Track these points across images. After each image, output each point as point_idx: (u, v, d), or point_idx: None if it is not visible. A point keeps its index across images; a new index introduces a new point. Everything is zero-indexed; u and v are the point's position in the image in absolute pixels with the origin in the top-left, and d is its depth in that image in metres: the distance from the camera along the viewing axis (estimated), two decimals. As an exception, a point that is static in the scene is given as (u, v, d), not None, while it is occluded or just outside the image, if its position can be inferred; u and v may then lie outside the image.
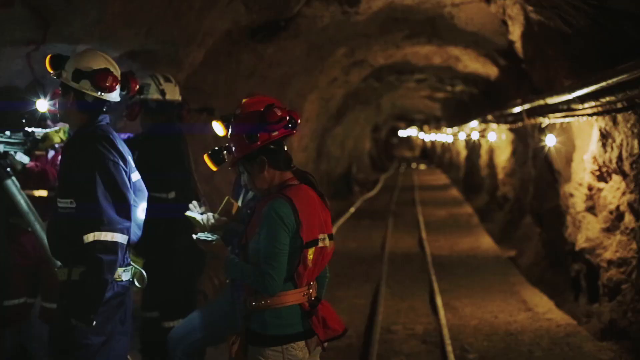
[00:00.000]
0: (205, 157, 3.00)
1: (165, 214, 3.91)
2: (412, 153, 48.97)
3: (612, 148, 5.92)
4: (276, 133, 2.69)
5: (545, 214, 9.19)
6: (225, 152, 2.96)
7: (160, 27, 4.99)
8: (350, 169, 19.48)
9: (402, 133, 46.56)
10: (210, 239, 2.81)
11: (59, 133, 4.33)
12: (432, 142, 37.69)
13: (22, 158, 4.24)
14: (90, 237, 2.87)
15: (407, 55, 11.16)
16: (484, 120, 13.43)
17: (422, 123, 38.62)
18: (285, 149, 2.79)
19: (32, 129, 4.23)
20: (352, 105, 16.23)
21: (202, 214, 3.25)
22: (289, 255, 2.62)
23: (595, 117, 5.86)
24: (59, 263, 4.15)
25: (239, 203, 3.33)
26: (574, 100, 5.70)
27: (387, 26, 8.68)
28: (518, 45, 7.22)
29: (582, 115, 5.96)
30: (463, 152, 21.58)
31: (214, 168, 3.04)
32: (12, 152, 4.19)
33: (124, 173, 3.01)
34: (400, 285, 8.01)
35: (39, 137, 4.23)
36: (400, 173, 28.83)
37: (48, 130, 4.30)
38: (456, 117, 20.20)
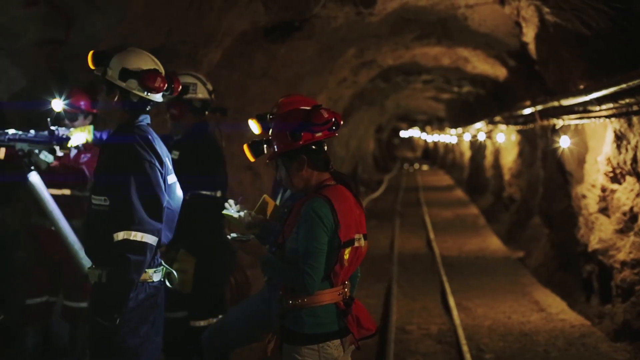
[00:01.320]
0: (245, 147, 3.02)
1: (215, 212, 3.91)
2: (414, 154, 48.98)
3: (626, 150, 5.94)
4: (320, 134, 2.72)
5: (555, 215, 9.20)
6: (265, 145, 2.96)
7: (181, 26, 5.02)
8: (355, 169, 19.49)
9: (403, 134, 46.59)
10: (245, 238, 2.82)
11: (83, 132, 4.35)
12: (435, 143, 37.69)
13: (46, 157, 4.26)
14: (120, 236, 2.87)
15: (416, 56, 11.18)
16: (491, 121, 13.45)
17: (425, 124, 38.64)
18: (326, 149, 2.81)
19: (57, 128, 4.25)
20: (358, 106, 16.25)
21: (238, 212, 3.27)
22: (326, 255, 2.64)
23: (610, 118, 5.88)
24: (87, 265, 4.19)
25: (277, 202, 3.35)
26: (590, 102, 5.72)
27: (398, 27, 8.69)
28: (531, 47, 7.24)
29: (598, 117, 5.97)
30: (467, 153, 21.59)
31: (252, 159, 3.06)
32: (36, 151, 4.22)
33: (159, 175, 3.00)
34: (411, 286, 8.03)
35: (63, 137, 4.25)
36: (403, 174, 28.84)
37: (72, 129, 4.32)
38: (461, 118, 20.21)
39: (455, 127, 22.36)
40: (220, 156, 4.28)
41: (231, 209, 3.25)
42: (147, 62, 3.09)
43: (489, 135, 15.29)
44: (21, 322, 4.45)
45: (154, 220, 2.92)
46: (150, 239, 2.91)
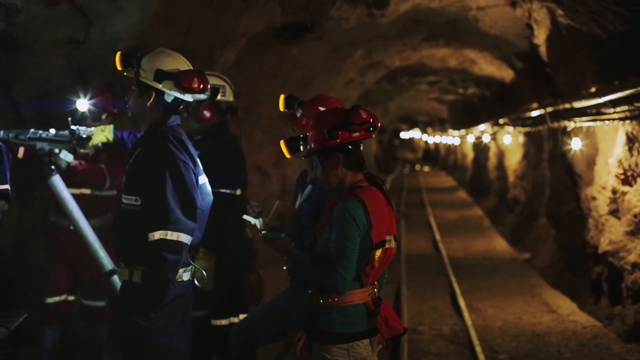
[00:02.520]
0: (282, 143, 3.04)
1: (236, 210, 3.92)
2: (415, 155, 49.00)
3: (638, 152, 5.95)
4: (357, 134, 2.73)
5: (562, 216, 9.23)
6: (301, 142, 2.97)
7: (199, 27, 5.03)
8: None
9: (404, 135, 46.62)
10: (277, 237, 2.82)
11: (104, 132, 4.37)
12: (436, 144, 37.73)
13: (66, 156, 4.28)
14: (156, 235, 2.87)
15: (423, 57, 11.21)
16: (496, 123, 13.48)
17: (426, 125, 38.68)
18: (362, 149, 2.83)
19: (77, 127, 4.27)
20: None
21: (255, 218, 3.30)
22: (358, 255, 2.65)
23: (622, 121, 5.90)
24: (107, 264, 4.21)
25: (297, 204, 3.37)
26: (604, 104, 5.73)
27: (407, 28, 8.72)
28: (542, 49, 7.26)
29: (610, 119, 6.00)
30: (470, 155, 21.62)
31: (288, 155, 3.08)
32: (57, 151, 4.23)
33: (193, 175, 3.01)
34: (420, 287, 8.05)
35: (84, 136, 4.27)
36: (405, 175, 28.86)
37: (93, 129, 4.34)
38: (464, 119, 20.25)
39: (458, 129, 22.38)
40: (240, 155, 4.30)
41: (251, 213, 3.28)
42: (180, 63, 3.09)
43: (494, 136, 15.32)
44: (39, 321, 4.45)
45: (188, 220, 2.93)
46: (186, 239, 2.93)
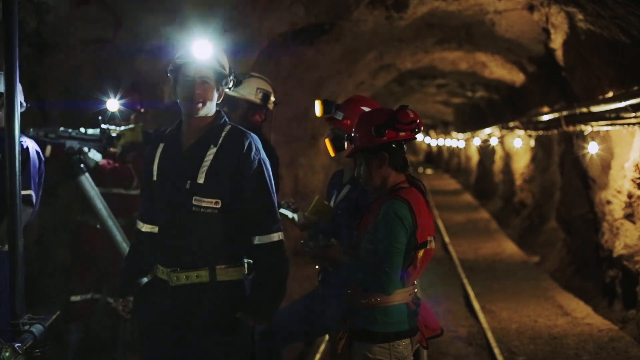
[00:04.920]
0: (327, 142, 3.02)
1: None
2: (416, 157, 49.00)
3: (655, 157, 5.99)
4: (403, 134, 2.75)
5: (574, 220, 9.25)
6: (346, 140, 2.96)
7: (224, 27, 5.05)
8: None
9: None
10: (330, 244, 2.76)
11: (134, 131, 4.39)
12: (439, 147, 37.74)
13: (94, 156, 4.31)
14: (274, 237, 2.78)
15: (434, 60, 11.23)
16: (505, 126, 13.50)
17: (429, 128, 38.67)
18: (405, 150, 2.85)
19: (107, 126, 4.29)
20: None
21: (293, 213, 3.32)
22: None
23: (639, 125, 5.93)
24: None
25: (331, 204, 3.39)
26: (625, 109, 5.76)
27: (420, 31, 8.74)
28: (559, 53, 7.29)
29: (628, 124, 6.02)
30: (475, 158, 21.64)
31: (332, 154, 3.06)
32: (86, 149, 4.26)
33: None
34: (433, 289, 8.06)
35: (114, 135, 4.29)
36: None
37: (123, 128, 4.36)
38: (470, 122, 20.26)
39: (463, 132, 22.40)
40: (274, 157, 4.30)
41: (286, 209, 3.30)
42: None
43: (501, 140, 15.34)
44: (65, 319, 4.47)
45: None
46: None
